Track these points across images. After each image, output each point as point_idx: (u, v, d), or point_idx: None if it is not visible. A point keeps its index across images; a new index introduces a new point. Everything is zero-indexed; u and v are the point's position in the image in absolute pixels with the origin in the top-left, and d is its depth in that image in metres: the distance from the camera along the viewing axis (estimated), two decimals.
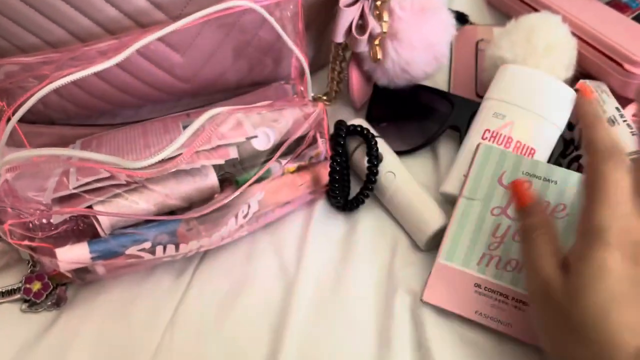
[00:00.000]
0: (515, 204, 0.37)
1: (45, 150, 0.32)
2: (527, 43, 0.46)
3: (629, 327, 0.28)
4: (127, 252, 0.36)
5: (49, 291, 0.39)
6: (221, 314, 0.41)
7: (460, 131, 0.47)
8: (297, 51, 0.41)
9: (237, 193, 0.37)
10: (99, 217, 0.35)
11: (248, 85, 0.47)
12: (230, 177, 0.39)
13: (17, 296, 0.40)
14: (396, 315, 0.40)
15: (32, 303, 0.39)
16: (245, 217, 0.39)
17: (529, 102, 0.42)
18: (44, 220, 0.34)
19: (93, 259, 0.36)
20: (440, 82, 0.53)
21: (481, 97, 0.51)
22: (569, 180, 0.40)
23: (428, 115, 0.50)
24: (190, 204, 0.38)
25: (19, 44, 0.40)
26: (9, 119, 0.32)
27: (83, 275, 0.39)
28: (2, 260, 0.41)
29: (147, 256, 0.37)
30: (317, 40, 0.52)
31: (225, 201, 0.37)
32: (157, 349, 0.39)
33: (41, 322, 0.40)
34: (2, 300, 0.40)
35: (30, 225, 0.33)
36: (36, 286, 0.39)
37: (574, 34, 0.47)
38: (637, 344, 0.27)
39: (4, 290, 0.40)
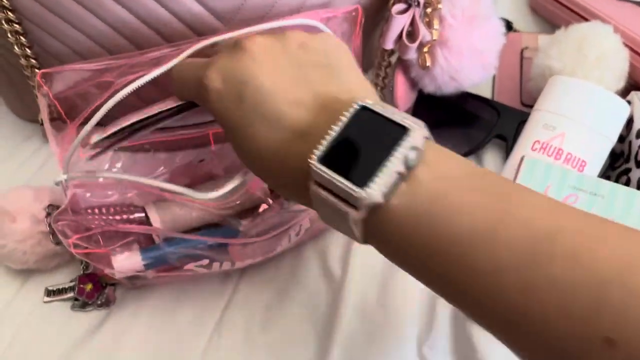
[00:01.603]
0: None
1: (115, 175, 0.33)
2: (577, 52, 0.45)
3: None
4: (186, 267, 0.36)
5: (100, 292, 0.40)
6: (267, 319, 0.41)
7: (507, 141, 0.47)
8: None
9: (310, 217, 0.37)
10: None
11: None
12: None
13: (69, 295, 0.40)
14: (442, 325, 0.40)
15: (83, 303, 0.40)
16: (297, 234, 0.39)
17: (582, 114, 0.42)
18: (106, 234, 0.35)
19: (146, 266, 0.37)
20: (483, 90, 0.53)
21: (526, 105, 0.50)
22: (617, 195, 0.39)
23: (473, 123, 0.49)
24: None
25: (73, 46, 0.41)
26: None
27: (133, 281, 0.39)
28: (54, 261, 0.41)
29: (202, 271, 0.37)
30: (363, 46, 0.51)
31: (287, 226, 0.37)
32: (203, 351, 0.39)
33: (90, 321, 0.40)
34: (53, 299, 0.41)
35: (92, 237, 0.34)
36: (89, 286, 0.40)
37: (625, 45, 0.46)
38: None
39: (55, 289, 0.41)
